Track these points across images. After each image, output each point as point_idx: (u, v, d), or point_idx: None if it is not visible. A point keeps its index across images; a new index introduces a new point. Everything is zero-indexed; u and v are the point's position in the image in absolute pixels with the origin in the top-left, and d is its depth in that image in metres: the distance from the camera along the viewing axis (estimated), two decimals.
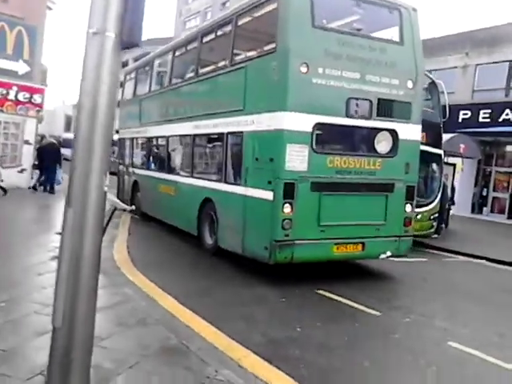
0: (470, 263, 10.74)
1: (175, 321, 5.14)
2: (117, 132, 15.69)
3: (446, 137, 13.68)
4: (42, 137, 17.60)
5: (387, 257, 8.07)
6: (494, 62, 20.77)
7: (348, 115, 7.43)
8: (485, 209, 21.68)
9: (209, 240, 9.00)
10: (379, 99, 7.63)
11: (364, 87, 7.52)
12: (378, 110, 7.64)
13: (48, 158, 15.96)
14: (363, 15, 8.14)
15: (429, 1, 79.80)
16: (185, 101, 10.41)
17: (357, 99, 7.48)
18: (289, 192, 6.99)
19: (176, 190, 10.54)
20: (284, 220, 6.98)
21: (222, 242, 8.45)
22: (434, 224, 12.31)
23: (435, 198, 12.30)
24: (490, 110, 20.08)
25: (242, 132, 7.92)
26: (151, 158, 12.67)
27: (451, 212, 15.51)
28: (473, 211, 21.71)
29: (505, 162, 21.68)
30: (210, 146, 9.65)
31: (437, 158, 12.48)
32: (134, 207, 12.69)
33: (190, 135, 9.90)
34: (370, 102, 7.57)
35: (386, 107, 7.71)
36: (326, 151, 7.48)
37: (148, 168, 12.61)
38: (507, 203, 20.94)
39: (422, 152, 11.55)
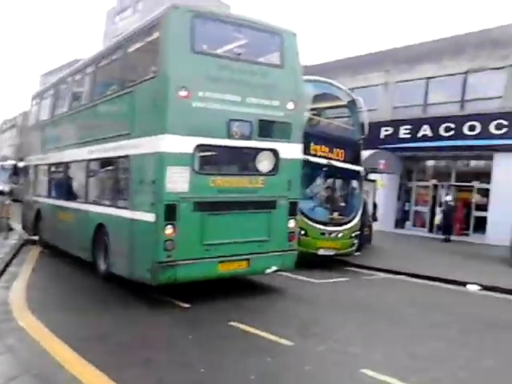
0: (389, 280, 10.93)
1: (60, 374, 4.68)
2: (21, 160, 15.45)
3: (367, 153, 14.01)
4: None
5: (273, 271, 8.35)
6: (412, 80, 21.67)
7: (229, 136, 7.69)
8: (407, 223, 22.42)
9: (102, 266, 8.88)
10: (260, 120, 7.95)
11: (245, 109, 7.82)
12: (259, 130, 7.96)
13: None
14: (246, 41, 8.47)
15: (350, 19, 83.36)
16: (81, 126, 10.42)
17: (238, 121, 7.76)
18: (170, 213, 7.12)
19: (73, 217, 10.43)
20: (166, 241, 7.09)
21: (113, 267, 8.43)
22: (356, 242, 12.39)
23: (356, 216, 12.33)
24: (409, 126, 20.92)
25: (128, 156, 8.03)
26: (51, 186, 12.43)
27: (374, 228, 15.84)
28: (396, 226, 22.37)
29: (425, 176, 22.59)
30: (103, 170, 9.60)
31: (357, 175, 12.64)
32: (37, 237, 12.63)
33: (85, 161, 9.90)
34: (251, 123, 7.87)
35: (266, 128, 8.06)
36: (209, 172, 7.75)
37: (49, 196, 12.37)
38: (428, 217, 21.74)
39: (342, 169, 11.88)
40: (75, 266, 10.12)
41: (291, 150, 8.43)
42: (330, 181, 12.61)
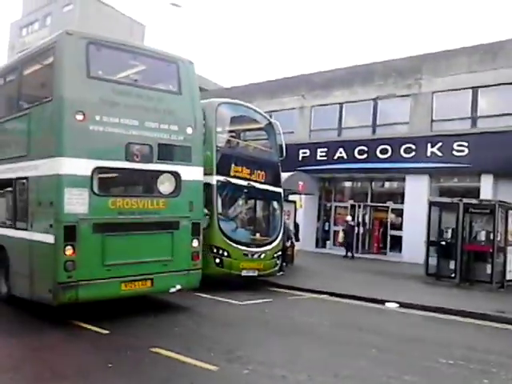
0: (312, 300, 11.02)
1: None
2: None
3: (286, 175, 14.21)
4: None
5: (177, 290, 8.55)
6: (326, 104, 22.48)
7: (128, 159, 7.90)
8: (328, 242, 22.99)
9: (3, 288, 8.71)
10: (159, 144, 8.24)
11: (143, 133, 8.08)
12: (158, 153, 8.23)
13: None
14: (143, 68, 8.87)
15: (269, 43, 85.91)
16: None
17: (136, 144, 8.00)
18: (69, 234, 7.20)
19: None
20: (66, 262, 7.15)
21: (14, 289, 8.36)
22: (278, 262, 12.49)
23: (277, 236, 12.43)
24: (326, 149, 21.70)
25: (27, 177, 8.06)
26: None
27: (296, 248, 16.02)
28: (317, 245, 22.98)
29: (344, 196, 23.35)
30: (2, 192, 9.43)
31: (277, 196, 12.84)
32: None
33: None
34: (150, 146, 8.15)
35: (166, 151, 8.34)
36: (108, 193, 7.95)
37: None
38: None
39: (262, 191, 11.96)
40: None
41: (192, 173, 8.76)
42: (251, 202, 12.72)
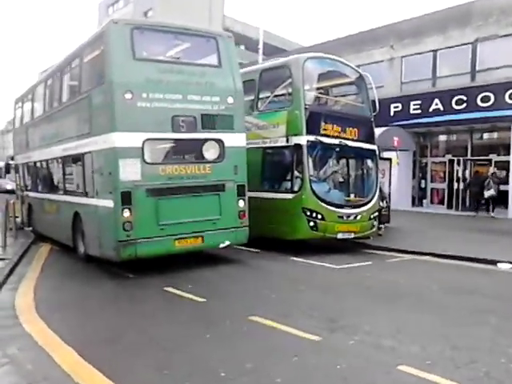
0: (414, 261, 10.33)
1: None
2: (12, 158, 16.89)
3: (378, 131, 13.34)
4: None
5: (226, 246, 9.41)
6: (418, 53, 20.91)
7: (174, 130, 8.78)
8: (425, 201, 21.87)
9: (81, 248, 9.97)
10: (202, 114, 9.03)
11: (187, 105, 8.91)
12: (202, 123, 9.03)
13: None
14: (185, 46, 9.65)
15: None
16: (55, 127, 11.55)
17: (181, 116, 8.82)
18: (126, 199, 8.28)
19: (55, 208, 11.79)
20: (124, 223, 8.25)
21: (89, 249, 9.63)
22: (375, 223, 11.81)
23: (373, 196, 11.73)
24: (419, 101, 20.25)
25: (91, 152, 9.20)
26: (37, 181, 13.68)
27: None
28: (413, 204, 21.95)
29: (439, 151, 21.93)
30: (75, 165, 10.69)
31: (371, 154, 12.06)
32: (31, 228, 14.09)
33: (60, 157, 11.19)
34: (194, 117, 8.96)
35: (209, 120, 9.11)
36: (158, 162, 8.83)
37: (36, 190, 13.74)
38: (445, 193, 21.04)
39: (355, 148, 11.27)
40: (86, 263, 9.89)
41: (235, 139, 9.45)
42: (344, 161, 12.13)
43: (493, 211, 18.20)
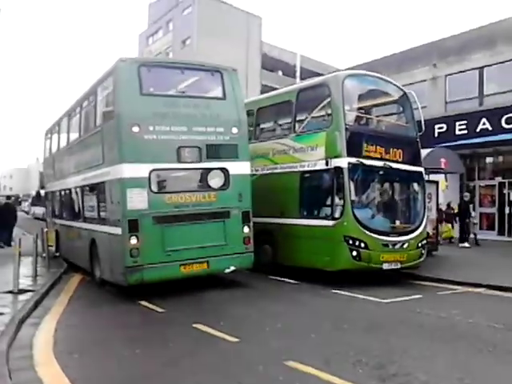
0: (468, 294, 9.42)
1: None
2: (42, 187, 18.11)
3: (423, 152, 12.49)
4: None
5: (232, 271, 9.65)
6: (463, 71, 19.99)
7: (180, 160, 9.20)
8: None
9: (98, 273, 10.37)
10: (207, 145, 9.40)
11: (192, 137, 9.32)
12: (207, 153, 9.41)
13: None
14: (190, 80, 10.13)
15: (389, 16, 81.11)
16: (76, 157, 12.21)
17: (186, 147, 9.23)
18: (133, 227, 8.70)
19: (77, 234, 12.29)
20: (131, 249, 8.66)
21: (102, 274, 10.08)
22: (424, 252, 10.87)
23: (421, 222, 10.89)
24: (465, 121, 19.19)
25: (104, 181, 9.71)
26: (62, 208, 14.33)
27: None
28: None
29: (486, 174, 20.69)
30: (91, 194, 11.11)
31: (418, 177, 11.25)
32: (58, 254, 14.56)
33: (80, 186, 11.80)
34: (199, 148, 9.34)
35: (214, 150, 9.47)
36: (164, 191, 9.28)
37: (61, 217, 14.38)
38: (496, 218, 19.74)
39: (401, 171, 10.46)
40: (116, 294, 9.55)
41: (240, 167, 9.78)
42: (388, 185, 11.28)
43: None
